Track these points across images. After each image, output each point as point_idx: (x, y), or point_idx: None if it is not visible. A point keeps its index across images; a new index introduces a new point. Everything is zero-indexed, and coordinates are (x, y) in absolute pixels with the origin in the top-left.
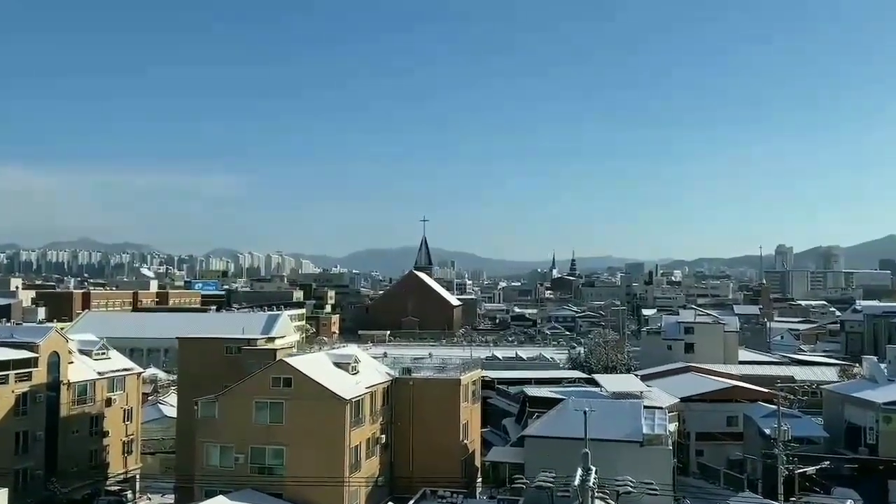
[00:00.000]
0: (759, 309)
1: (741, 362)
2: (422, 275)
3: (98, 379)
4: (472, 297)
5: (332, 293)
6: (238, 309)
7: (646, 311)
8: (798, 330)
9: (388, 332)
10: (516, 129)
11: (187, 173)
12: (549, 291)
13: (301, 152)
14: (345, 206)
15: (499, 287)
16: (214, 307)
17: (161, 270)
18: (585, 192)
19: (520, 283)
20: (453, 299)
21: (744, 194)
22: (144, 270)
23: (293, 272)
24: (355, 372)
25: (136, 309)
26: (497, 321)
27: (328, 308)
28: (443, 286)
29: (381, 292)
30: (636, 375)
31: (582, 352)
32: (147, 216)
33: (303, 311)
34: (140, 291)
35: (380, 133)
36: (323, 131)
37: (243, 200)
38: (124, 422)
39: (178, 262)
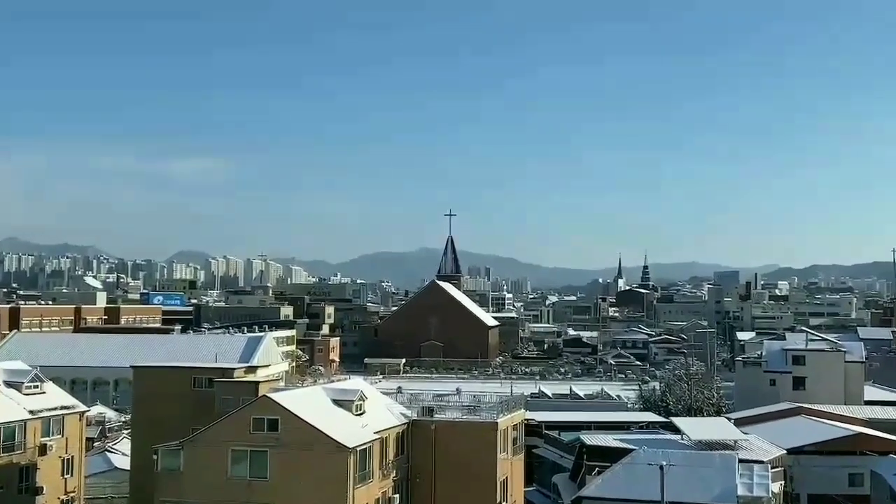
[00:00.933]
0: (893, 332)
1: (867, 402)
2: (447, 286)
3: (29, 419)
4: (513, 315)
5: (330, 309)
6: (210, 329)
7: (742, 335)
8: None
9: (404, 361)
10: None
11: (144, 156)
12: (613, 308)
13: (293, 132)
14: (346, 198)
15: (548, 302)
16: (179, 327)
17: (111, 279)
18: (661, 180)
19: (575, 298)
20: (488, 318)
21: (869, 183)
22: (89, 279)
23: (280, 282)
24: (361, 412)
25: (78, 329)
26: (546, 347)
27: (325, 329)
28: (474, 301)
29: (395, 308)
30: (729, 419)
31: (657, 388)
32: (92, 210)
33: (293, 332)
34: (84, 306)
35: (395, 109)
36: (321, 105)
37: (218, 190)
38: (63, 475)
39: (133, 268)
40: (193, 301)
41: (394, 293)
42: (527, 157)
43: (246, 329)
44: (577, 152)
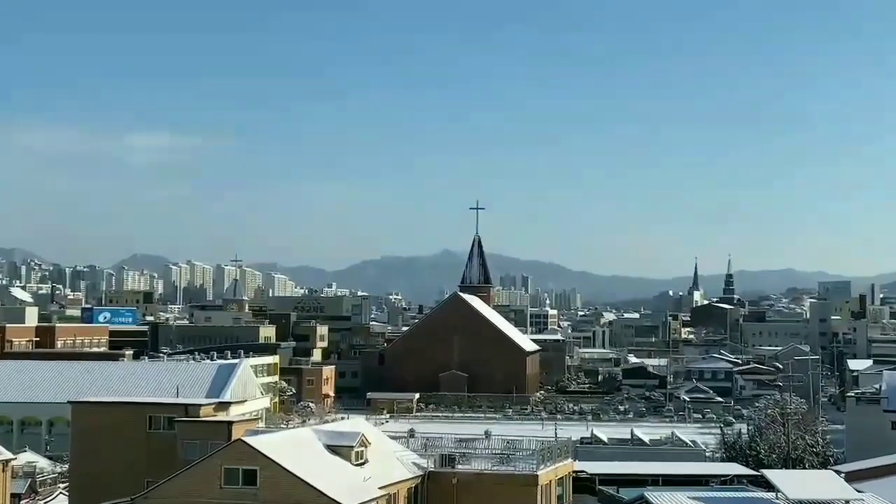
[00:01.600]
0: None
1: None
2: (473, 300)
3: None
4: (559, 337)
5: (323, 329)
6: (170, 355)
7: (854, 364)
8: None
9: (417, 397)
10: None
11: (89, 132)
12: (687, 329)
13: (277, 106)
14: (345, 190)
15: (603, 321)
16: (131, 352)
17: (43, 290)
18: (747, 165)
19: (638, 315)
20: (526, 341)
21: None
22: (16, 291)
23: (260, 294)
24: (362, 461)
25: (1, 354)
26: (600, 378)
27: (317, 354)
28: (509, 319)
29: (406, 329)
30: (838, 472)
31: (744, 431)
32: (18, 202)
33: (276, 358)
34: (8, 326)
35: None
36: (313, 74)
37: (181, 177)
38: None
39: (72, 276)
40: (149, 318)
41: (405, 309)
42: (575, 135)
43: (216, 354)
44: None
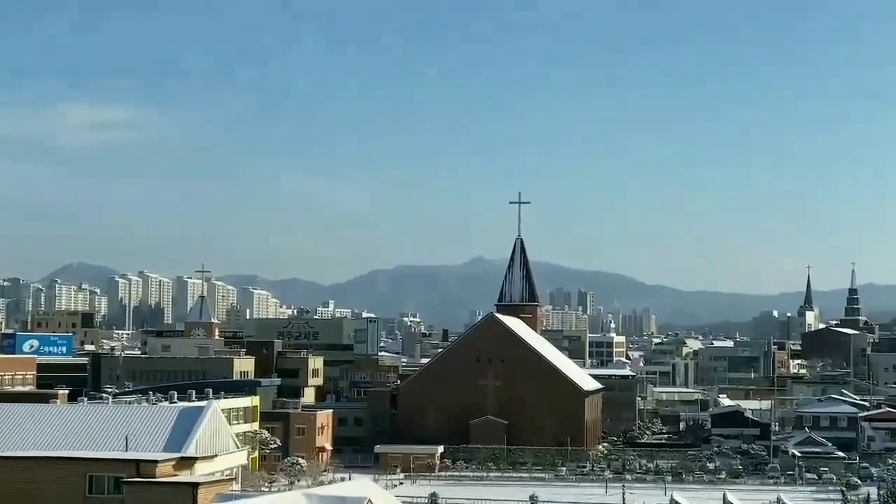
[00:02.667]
0: None
1: None
2: (514, 323)
3: None
4: (628, 371)
5: (318, 362)
6: (116, 395)
7: None
8: None
9: (441, 451)
10: None
11: (8, 104)
12: (798, 361)
13: (261, 73)
14: (347, 180)
15: (686, 350)
16: (65, 391)
17: None
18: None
19: (732, 343)
20: (584, 376)
21: None
22: None
23: (235, 316)
24: None
25: None
26: (682, 425)
27: (309, 394)
28: (561, 347)
29: (425, 361)
30: None
31: (873, 497)
32: None
33: (255, 400)
34: None
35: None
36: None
37: (131, 162)
38: None
39: None
40: (89, 347)
41: (424, 335)
42: (645, 112)
43: (177, 395)
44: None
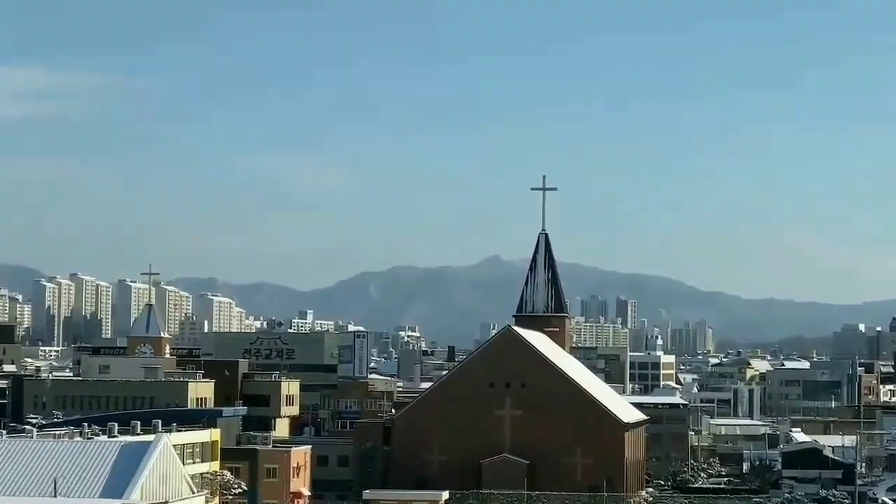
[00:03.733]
0: None
1: None
2: (537, 338)
3: None
4: (678, 399)
5: (292, 386)
6: (42, 428)
7: None
8: None
9: (446, 496)
10: None
11: None
12: (889, 386)
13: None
14: (331, 164)
15: (750, 373)
16: None
17: None
18: None
19: (808, 364)
20: (624, 405)
21: None
22: None
23: (189, 328)
24: None
25: None
26: (745, 466)
27: (282, 427)
28: (596, 369)
29: (428, 385)
30: None
31: None
32: None
33: (215, 433)
34: None
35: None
36: None
37: (57, 138)
38: None
39: None
40: (8, 367)
41: (426, 353)
42: (705, 78)
43: (117, 427)
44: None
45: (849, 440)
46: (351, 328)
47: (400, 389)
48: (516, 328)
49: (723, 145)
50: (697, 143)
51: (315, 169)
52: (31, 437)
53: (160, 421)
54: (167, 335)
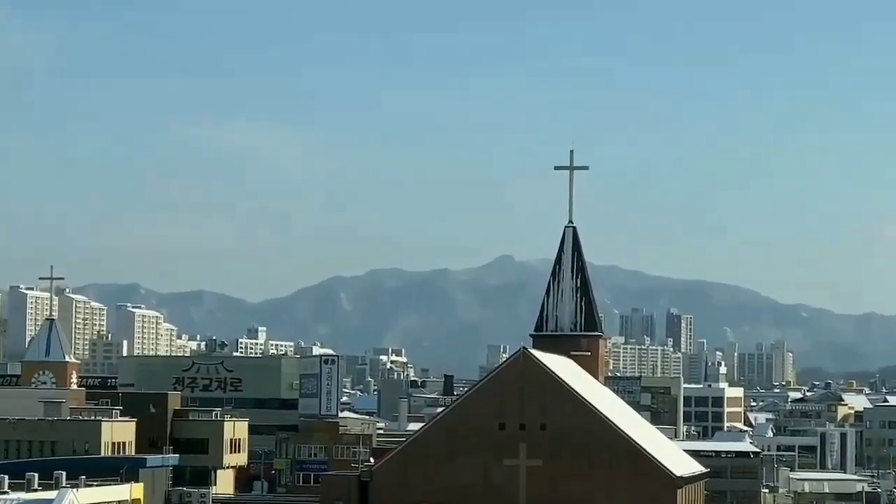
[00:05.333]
0: None
1: None
2: (561, 364)
3: None
4: (748, 446)
5: (238, 427)
6: None
7: None
8: None
9: None
10: None
11: None
12: None
13: None
14: (295, 138)
15: (842, 411)
16: None
17: None
18: None
19: None
20: (676, 454)
21: None
22: None
23: (102, 348)
24: None
25: None
26: None
27: (225, 480)
28: (639, 405)
29: (418, 427)
30: None
31: None
32: None
33: (136, 488)
34: None
35: None
36: None
37: None
38: None
39: None
40: None
41: (415, 383)
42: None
43: (8, 480)
44: None
45: None
46: (316, 351)
47: (381, 432)
48: (534, 351)
49: (816, 122)
50: (780, 118)
51: (273, 144)
52: None
53: (64, 473)
54: (74, 360)
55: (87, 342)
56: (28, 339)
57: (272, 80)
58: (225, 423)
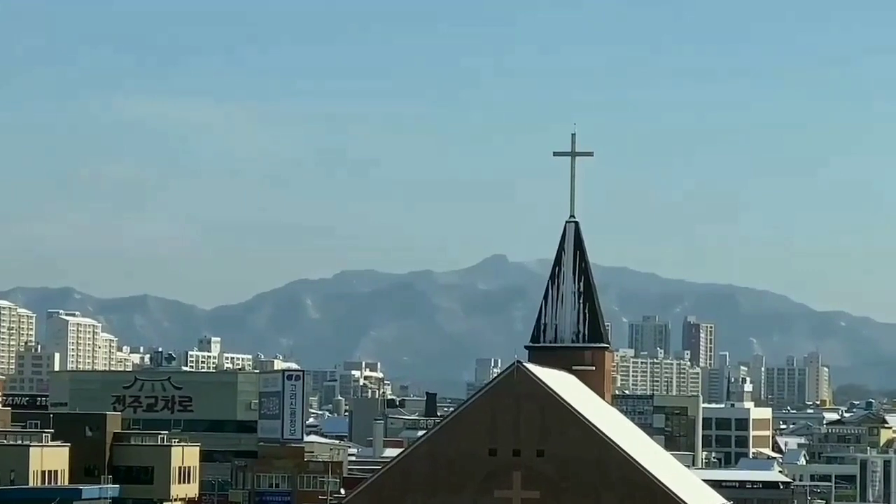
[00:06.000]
0: None
1: None
2: (561, 380)
3: None
4: (778, 475)
5: (188, 453)
6: None
7: None
8: None
9: None
10: None
11: None
12: None
13: None
14: (238, 113)
15: (887, 434)
16: None
17: None
18: None
19: None
20: (695, 485)
21: None
22: None
23: (28, 361)
24: None
25: None
26: None
27: None
28: (651, 429)
29: (392, 454)
30: None
31: None
32: None
33: None
34: None
35: None
36: None
37: None
38: None
39: None
40: None
41: (392, 403)
42: None
43: None
44: None
45: None
46: (278, 365)
47: (353, 459)
48: (530, 366)
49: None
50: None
51: (231, 123)
52: None
53: None
54: None
55: (13, 354)
56: None
57: (231, 59)
58: (172, 449)
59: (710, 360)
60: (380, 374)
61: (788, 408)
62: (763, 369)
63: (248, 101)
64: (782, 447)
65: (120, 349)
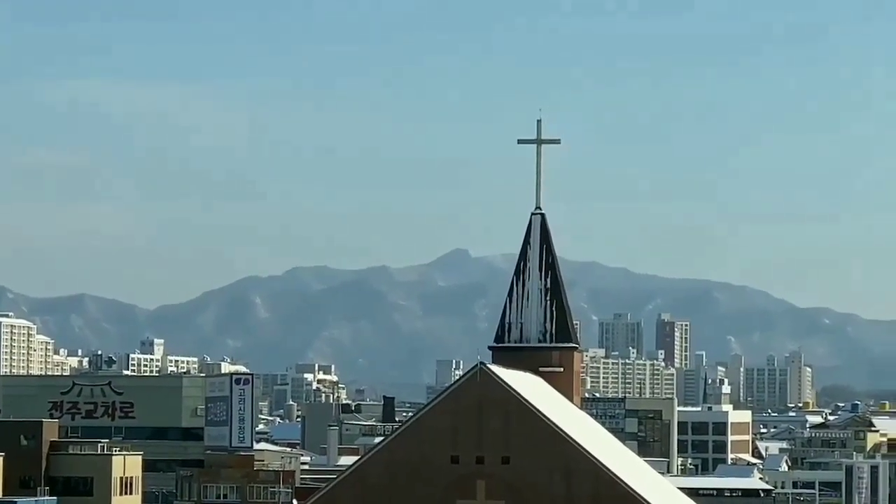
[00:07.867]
0: None
1: None
2: (527, 383)
3: None
4: (758, 482)
5: (129, 463)
6: None
7: None
8: None
9: None
10: None
11: None
12: None
13: None
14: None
15: (874, 438)
16: None
17: None
18: None
19: None
20: (670, 493)
21: None
22: None
23: None
24: None
25: None
26: None
27: None
28: (623, 433)
29: (348, 462)
30: None
31: None
32: None
33: None
34: None
35: None
36: None
37: None
38: None
39: None
40: None
41: (347, 408)
42: None
43: None
44: None
45: None
46: (225, 368)
47: (306, 468)
48: (494, 367)
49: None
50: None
51: (170, 108)
52: None
53: None
54: None
55: None
56: None
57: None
58: (113, 458)
59: (686, 360)
60: (334, 377)
61: (769, 410)
62: (742, 370)
63: (193, 83)
64: (763, 452)
65: (57, 352)
